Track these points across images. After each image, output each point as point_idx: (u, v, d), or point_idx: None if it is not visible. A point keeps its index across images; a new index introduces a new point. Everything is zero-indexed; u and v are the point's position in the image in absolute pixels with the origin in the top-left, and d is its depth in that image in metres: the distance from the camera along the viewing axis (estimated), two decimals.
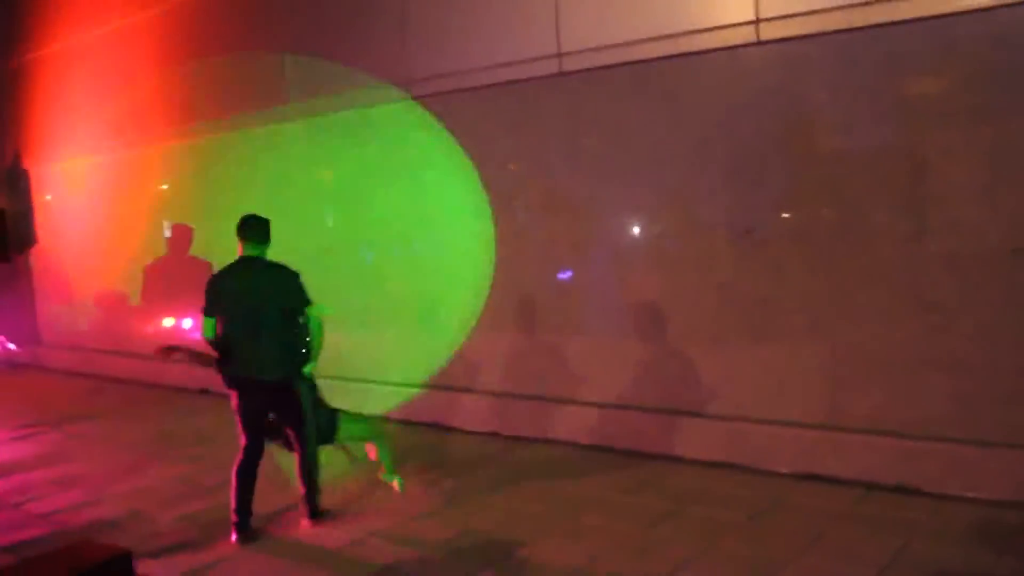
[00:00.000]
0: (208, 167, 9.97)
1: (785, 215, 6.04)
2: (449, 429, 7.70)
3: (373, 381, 8.23)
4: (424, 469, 6.64)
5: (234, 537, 5.40)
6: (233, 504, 5.43)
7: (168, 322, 10.47)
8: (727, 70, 6.16)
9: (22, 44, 12.70)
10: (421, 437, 7.52)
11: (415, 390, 8.04)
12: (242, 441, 5.49)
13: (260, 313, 5.41)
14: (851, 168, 5.71)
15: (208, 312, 5.52)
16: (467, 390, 7.74)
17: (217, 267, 5.71)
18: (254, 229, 5.55)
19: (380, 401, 8.16)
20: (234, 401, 5.49)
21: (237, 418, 5.50)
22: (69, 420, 9.02)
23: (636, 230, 6.78)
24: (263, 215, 5.60)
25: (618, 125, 6.72)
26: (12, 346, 12.85)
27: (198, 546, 5.38)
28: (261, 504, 5.60)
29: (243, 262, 5.53)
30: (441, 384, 7.92)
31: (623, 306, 6.83)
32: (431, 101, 7.75)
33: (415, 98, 7.85)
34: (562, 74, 6.93)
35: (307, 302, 5.52)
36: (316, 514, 5.61)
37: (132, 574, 2.44)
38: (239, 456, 5.47)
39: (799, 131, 5.91)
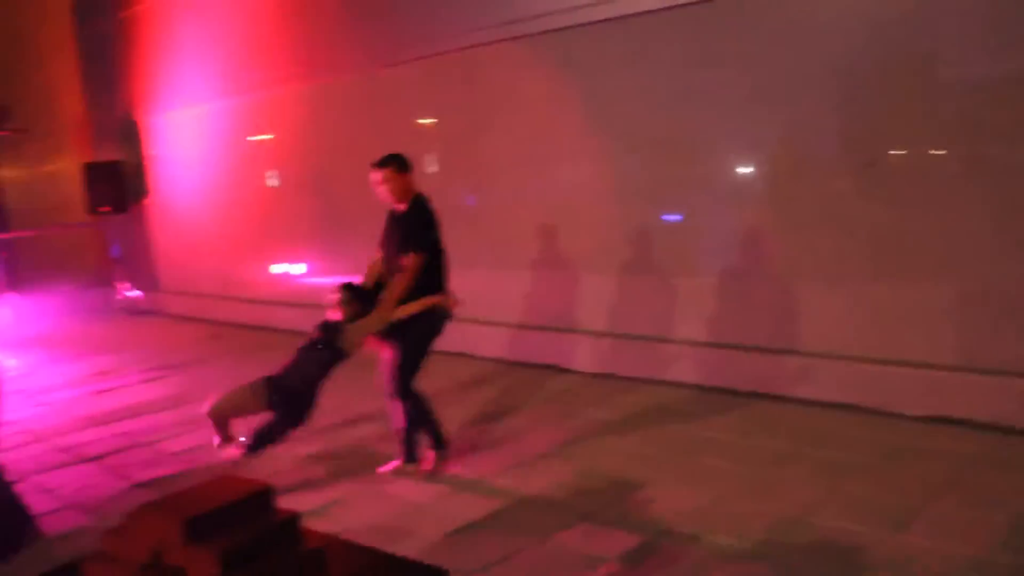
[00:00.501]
0: (318, 113, 10.04)
1: (909, 149, 5.78)
2: (562, 370, 7.68)
3: (486, 322, 8.23)
4: (539, 410, 6.64)
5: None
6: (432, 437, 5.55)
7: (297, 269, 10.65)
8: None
9: None
10: (534, 378, 7.52)
11: (527, 331, 8.02)
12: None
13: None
14: (981, 100, 5.42)
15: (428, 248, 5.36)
16: (579, 330, 7.71)
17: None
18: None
19: (493, 342, 8.18)
20: (430, 341, 5.43)
21: (423, 357, 5.43)
22: (191, 364, 9.30)
23: (750, 166, 6.58)
24: (363, 163, 5.55)
25: (732, 58, 6.50)
26: (134, 293, 13.27)
27: (321, 485, 5.48)
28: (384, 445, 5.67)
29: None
30: (553, 325, 7.89)
31: (737, 244, 6.67)
32: (536, 40, 7.63)
33: (524, 37, 7.73)
34: (674, 7, 6.73)
35: None
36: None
37: (273, 508, 2.46)
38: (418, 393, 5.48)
39: (926, 61, 5.63)
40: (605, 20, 7.14)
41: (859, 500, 4.64)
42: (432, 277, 5.36)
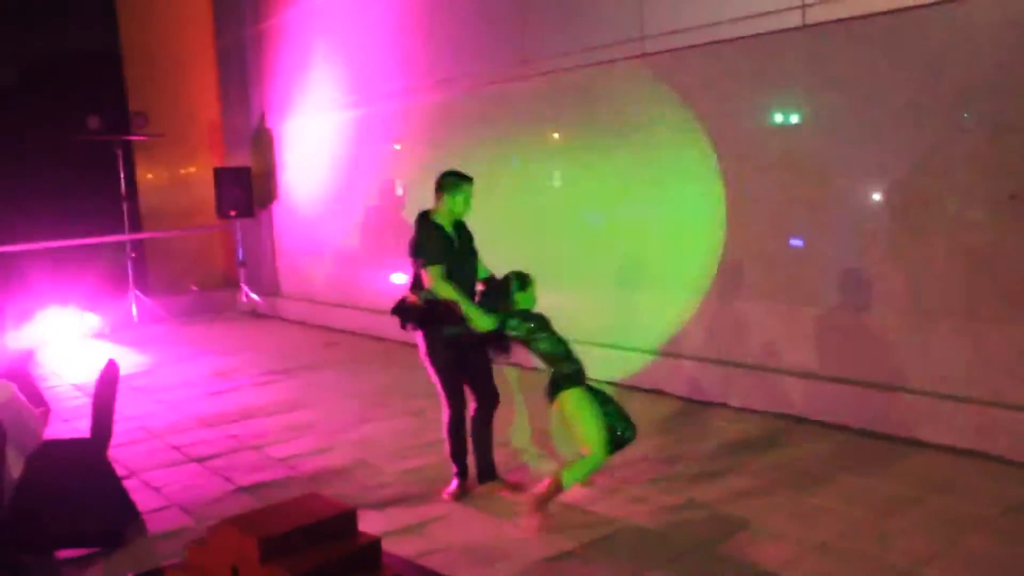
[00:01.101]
0: (441, 125, 10.11)
1: None
2: (672, 396, 7.48)
3: (595, 343, 8.10)
4: (644, 436, 6.48)
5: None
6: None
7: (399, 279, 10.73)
8: (996, 17, 5.58)
9: (266, 8, 13.33)
10: (639, 403, 7.35)
11: (638, 355, 7.86)
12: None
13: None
14: None
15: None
16: (686, 356, 7.50)
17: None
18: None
19: (601, 364, 8.04)
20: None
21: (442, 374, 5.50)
22: (304, 369, 9.45)
23: (881, 194, 6.30)
24: (484, 174, 5.62)
25: (866, 81, 6.24)
26: (255, 297, 13.62)
27: (419, 501, 5.46)
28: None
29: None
30: (664, 350, 7.71)
31: (862, 276, 6.38)
32: (664, 58, 7.49)
33: (647, 55, 7.61)
34: (805, 27, 6.51)
35: None
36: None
37: (355, 531, 2.41)
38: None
39: None
40: (732, 40, 6.96)
41: (977, 557, 4.35)
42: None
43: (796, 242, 6.76)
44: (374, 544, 2.48)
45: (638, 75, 7.71)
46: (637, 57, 7.69)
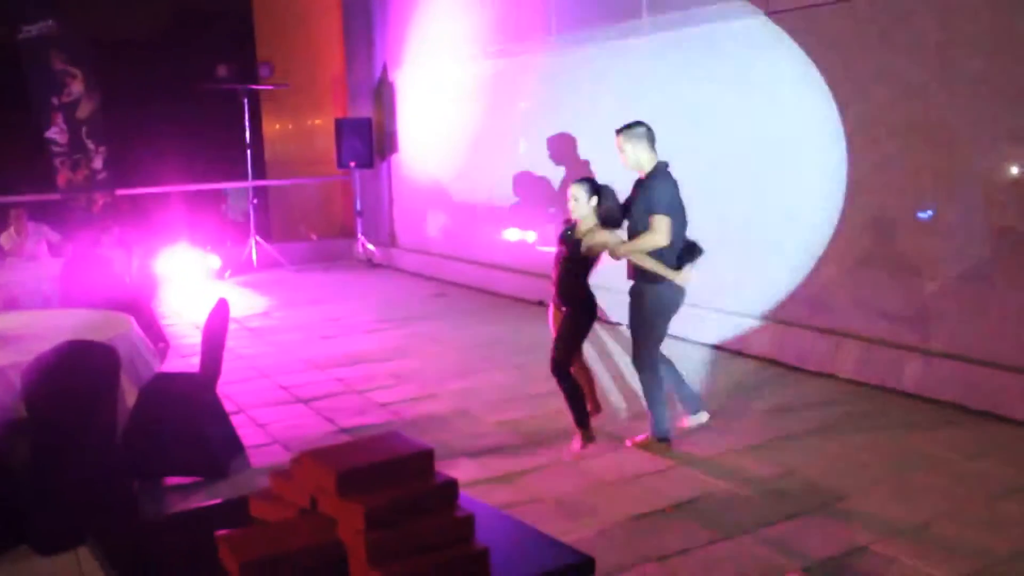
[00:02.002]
0: (560, 81, 10.03)
1: None
2: (784, 366, 7.30)
3: (708, 308, 7.96)
4: (752, 403, 6.37)
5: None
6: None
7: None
8: None
9: None
10: (754, 371, 7.21)
11: (752, 321, 7.70)
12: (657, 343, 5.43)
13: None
14: None
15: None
16: (806, 326, 7.29)
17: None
18: (653, 135, 5.43)
19: (713, 329, 7.91)
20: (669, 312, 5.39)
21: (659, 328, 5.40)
22: (413, 319, 9.58)
23: (1017, 163, 5.96)
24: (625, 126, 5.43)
25: (1004, 41, 5.90)
26: (371, 247, 13.85)
27: (516, 451, 5.49)
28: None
29: (667, 168, 5.39)
30: (779, 318, 7.52)
31: (992, 249, 6.07)
32: (789, 16, 7.24)
33: (772, 13, 7.37)
34: None
35: None
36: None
37: (432, 471, 2.42)
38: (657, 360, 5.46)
39: None
40: None
41: None
42: (674, 247, 5.24)
43: (925, 211, 6.47)
44: (450, 484, 2.49)
45: (762, 34, 7.46)
46: (759, 15, 7.45)
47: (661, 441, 5.43)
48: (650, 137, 5.36)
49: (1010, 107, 5.88)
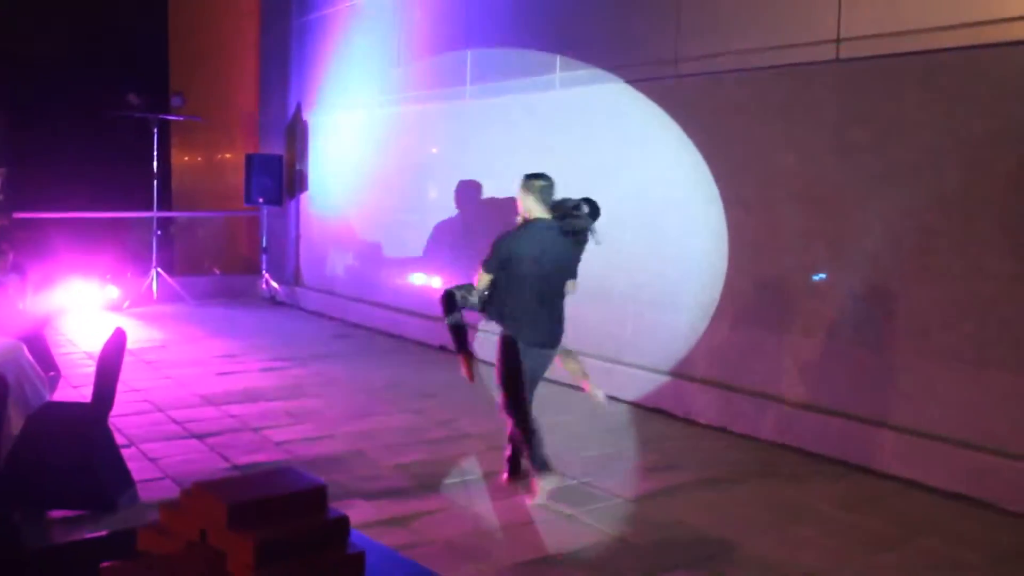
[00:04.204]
0: (471, 130, 10.17)
1: None
2: (672, 417, 7.47)
3: (602, 358, 8.12)
4: (644, 452, 6.50)
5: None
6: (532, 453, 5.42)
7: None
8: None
9: (311, 2, 13.47)
10: (643, 422, 7.36)
11: (648, 375, 7.86)
12: (524, 395, 5.44)
13: (554, 281, 5.49)
14: None
15: (489, 269, 5.45)
16: (699, 380, 7.49)
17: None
18: (548, 190, 5.48)
19: (606, 379, 8.05)
20: (510, 361, 5.43)
21: (509, 377, 5.43)
22: (314, 358, 9.52)
23: (902, 233, 6.27)
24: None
25: (893, 120, 6.24)
26: (276, 285, 13.72)
27: (410, 495, 5.50)
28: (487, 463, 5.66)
29: (540, 225, 5.45)
30: (673, 371, 7.71)
31: (871, 311, 6.37)
32: (696, 81, 7.52)
33: (681, 77, 7.64)
34: (838, 60, 6.53)
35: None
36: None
37: (325, 507, 2.44)
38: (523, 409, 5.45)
39: None
40: (763, 68, 6.98)
41: None
42: (505, 301, 5.43)
43: (815, 275, 6.75)
44: (341, 520, 2.50)
45: (669, 96, 7.74)
46: (668, 78, 7.72)
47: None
48: (543, 191, 5.45)
49: (894, 183, 6.20)
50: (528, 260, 5.35)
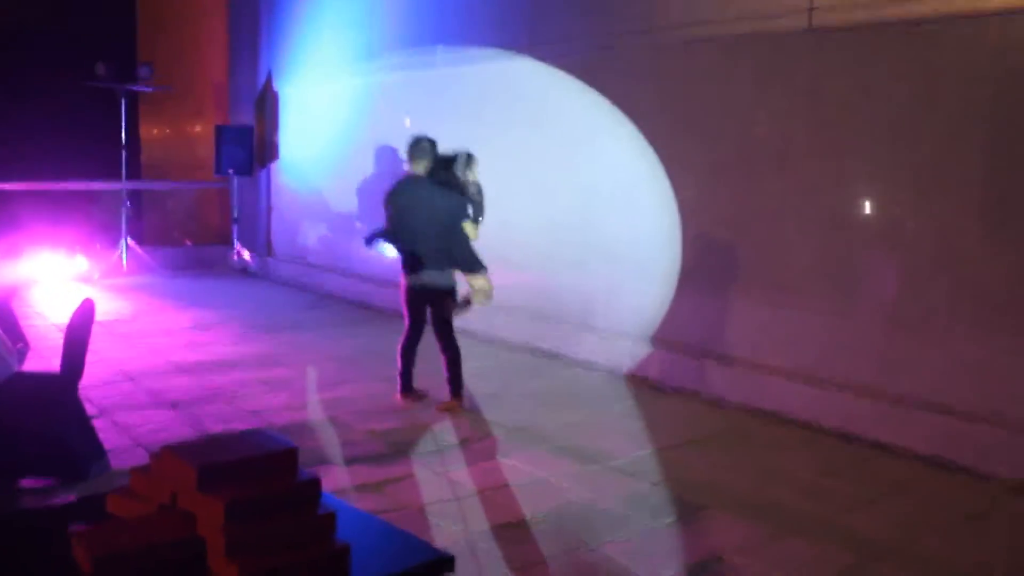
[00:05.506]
0: (443, 97, 10.10)
1: None
2: (647, 383, 7.50)
3: (581, 326, 8.13)
4: (614, 417, 6.55)
5: (399, 396, 6.70)
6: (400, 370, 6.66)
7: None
8: (999, 37, 5.59)
9: None
10: (618, 388, 7.40)
11: (622, 340, 7.89)
12: (405, 323, 6.61)
13: (427, 227, 6.33)
14: None
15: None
16: (670, 344, 7.53)
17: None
18: (420, 151, 6.50)
19: (587, 347, 8.08)
20: (403, 295, 6.63)
21: (404, 308, 6.62)
22: (286, 328, 9.48)
23: (870, 206, 6.31)
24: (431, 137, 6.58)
25: (864, 91, 6.25)
26: (247, 255, 13.63)
27: (382, 461, 5.51)
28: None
29: (409, 179, 6.56)
30: (646, 337, 7.73)
31: (844, 281, 6.41)
32: (670, 49, 7.51)
33: (655, 46, 7.62)
34: (810, 30, 6.52)
35: (461, 219, 6.36)
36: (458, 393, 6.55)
37: (295, 469, 2.45)
38: (402, 336, 6.63)
39: None
40: (736, 36, 6.98)
41: (931, 558, 4.40)
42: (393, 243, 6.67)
43: (785, 242, 6.78)
44: (313, 482, 2.51)
45: (643, 63, 7.72)
46: (642, 46, 7.70)
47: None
48: (416, 151, 6.52)
49: (864, 156, 6.23)
50: (399, 208, 6.49)
